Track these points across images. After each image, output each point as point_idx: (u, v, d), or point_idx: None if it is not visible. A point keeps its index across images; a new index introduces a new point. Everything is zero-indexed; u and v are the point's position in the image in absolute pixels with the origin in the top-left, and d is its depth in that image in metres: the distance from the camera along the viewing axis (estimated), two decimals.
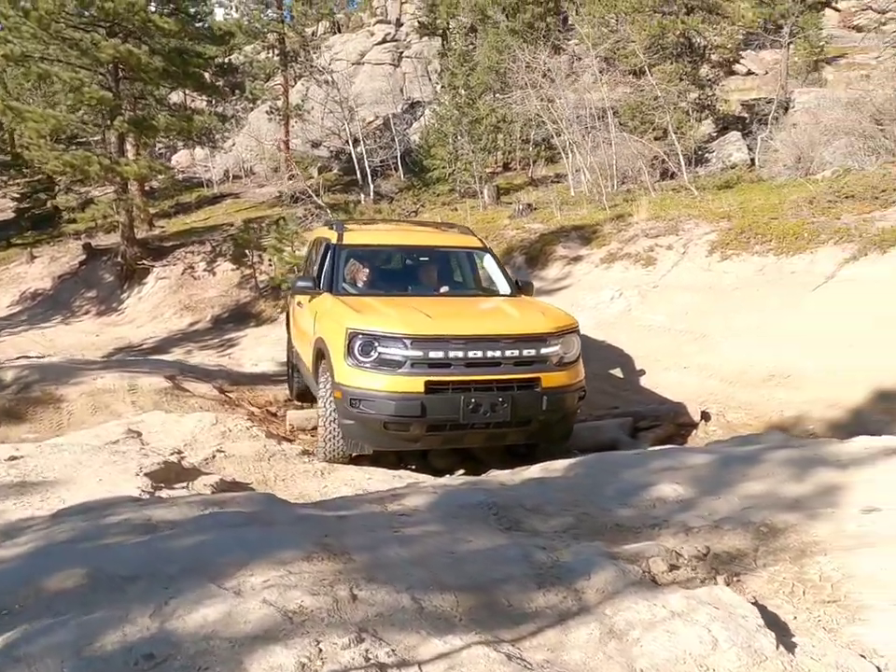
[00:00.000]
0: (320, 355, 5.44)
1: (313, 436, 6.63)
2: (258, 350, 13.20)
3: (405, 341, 4.76)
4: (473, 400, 4.74)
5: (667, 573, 2.75)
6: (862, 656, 2.31)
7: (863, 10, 32.06)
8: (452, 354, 4.76)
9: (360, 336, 4.83)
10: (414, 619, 2.33)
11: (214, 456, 4.97)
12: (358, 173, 20.74)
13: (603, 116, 16.42)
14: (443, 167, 19.61)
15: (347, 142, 26.93)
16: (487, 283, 6.52)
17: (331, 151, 28.92)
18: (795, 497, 3.44)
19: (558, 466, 4.39)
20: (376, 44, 34.73)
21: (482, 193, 18.00)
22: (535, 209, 15.57)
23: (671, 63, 16.32)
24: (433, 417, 4.76)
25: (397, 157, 23.83)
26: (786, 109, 16.50)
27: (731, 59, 21.38)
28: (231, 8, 29.47)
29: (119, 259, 18.11)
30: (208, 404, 7.17)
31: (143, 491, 3.81)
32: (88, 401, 6.68)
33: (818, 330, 7.35)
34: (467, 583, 2.61)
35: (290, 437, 6.29)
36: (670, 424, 6.18)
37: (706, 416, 6.35)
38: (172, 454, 4.78)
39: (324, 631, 2.17)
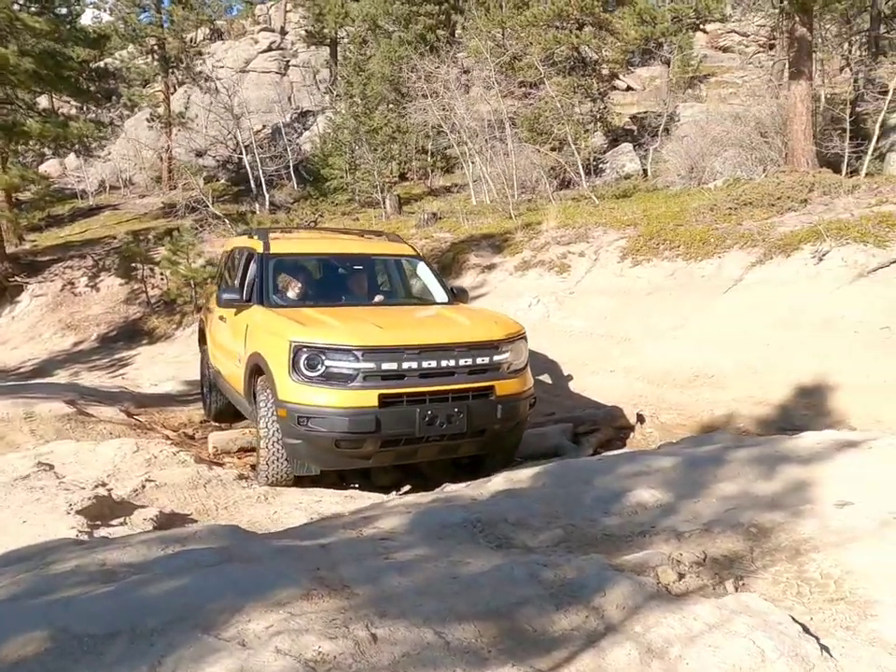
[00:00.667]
0: (256, 371, 5.08)
1: (239, 458, 6.23)
2: (154, 369, 12.41)
3: (356, 353, 4.48)
4: (429, 412, 4.53)
5: (678, 582, 2.67)
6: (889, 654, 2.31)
7: (728, 33, 34.45)
8: (406, 365, 4.53)
9: (306, 349, 4.51)
10: (445, 656, 2.12)
11: (143, 487, 4.50)
12: (252, 182, 20.03)
13: (501, 126, 16.63)
14: (341, 176, 19.29)
15: (235, 151, 26.07)
16: (422, 291, 6.34)
17: (217, 161, 27.83)
18: (771, 495, 3.46)
19: (522, 476, 4.27)
20: (261, 52, 33.91)
21: (384, 203, 17.80)
22: (440, 218, 15.56)
23: (564, 77, 16.76)
24: (388, 432, 4.50)
25: (289, 166, 23.24)
26: (671, 122, 17.30)
27: (615, 74, 22.28)
28: (105, 10, 27.98)
29: None
30: (118, 429, 6.57)
31: (79, 531, 3.37)
32: None
33: (733, 331, 7.65)
34: (482, 610, 2.43)
35: (217, 461, 5.84)
36: (608, 427, 6.21)
37: (640, 419, 6.43)
38: (96, 486, 4.29)
39: None
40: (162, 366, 12.54)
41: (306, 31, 30.48)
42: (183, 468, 5.04)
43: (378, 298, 6.18)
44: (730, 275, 8.69)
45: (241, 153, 24.03)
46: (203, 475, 4.87)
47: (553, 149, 17.11)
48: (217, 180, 24.96)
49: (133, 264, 15.06)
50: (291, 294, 5.88)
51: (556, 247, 10.96)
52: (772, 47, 33.97)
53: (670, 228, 10.06)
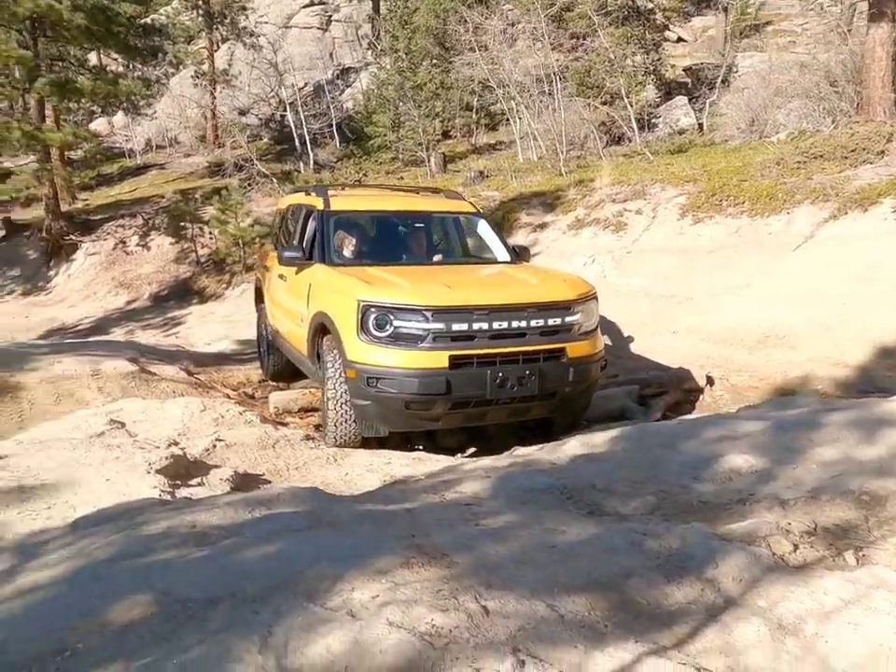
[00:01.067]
0: (321, 331, 5.00)
1: (301, 418, 6.21)
2: (206, 328, 12.49)
3: (426, 313, 4.37)
4: (500, 374, 4.41)
5: (793, 553, 2.52)
6: None
7: None
8: (476, 325, 4.40)
9: (374, 309, 4.42)
10: (561, 630, 2.01)
11: (214, 446, 4.49)
12: (297, 140, 19.87)
13: (550, 81, 16.14)
14: (385, 135, 19.00)
15: (278, 109, 25.90)
16: (483, 250, 6.16)
17: (260, 119, 27.69)
18: (877, 460, 3.26)
19: (598, 440, 4.13)
20: (303, 6, 33.30)
21: (428, 161, 17.50)
22: (487, 176, 15.24)
23: (617, 27, 16.15)
24: (458, 394, 4.40)
25: (332, 125, 22.98)
26: (729, 73, 16.60)
27: (668, 24, 21.41)
28: None
29: (44, 235, 16.82)
30: (181, 388, 6.60)
31: (161, 491, 3.35)
32: (49, 389, 6.02)
33: (804, 289, 7.34)
34: (586, 581, 2.31)
35: (280, 421, 5.82)
36: (676, 390, 6.02)
37: (710, 381, 6.22)
38: (169, 445, 4.28)
39: (475, 655, 1.84)
40: (214, 325, 12.62)
41: None
42: (250, 427, 5.02)
43: (437, 257, 6.04)
44: (800, 232, 8.32)
45: (284, 111, 23.83)
46: (271, 435, 4.84)
47: (603, 104, 16.56)
48: (261, 139, 24.85)
49: (182, 223, 15.09)
50: (346, 252, 5.76)
51: (611, 205, 10.64)
52: None
53: (734, 183, 9.66)
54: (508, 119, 23.72)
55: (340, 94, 26.89)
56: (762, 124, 13.16)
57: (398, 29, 18.66)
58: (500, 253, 5.96)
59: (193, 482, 3.71)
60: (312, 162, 19.25)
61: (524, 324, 4.51)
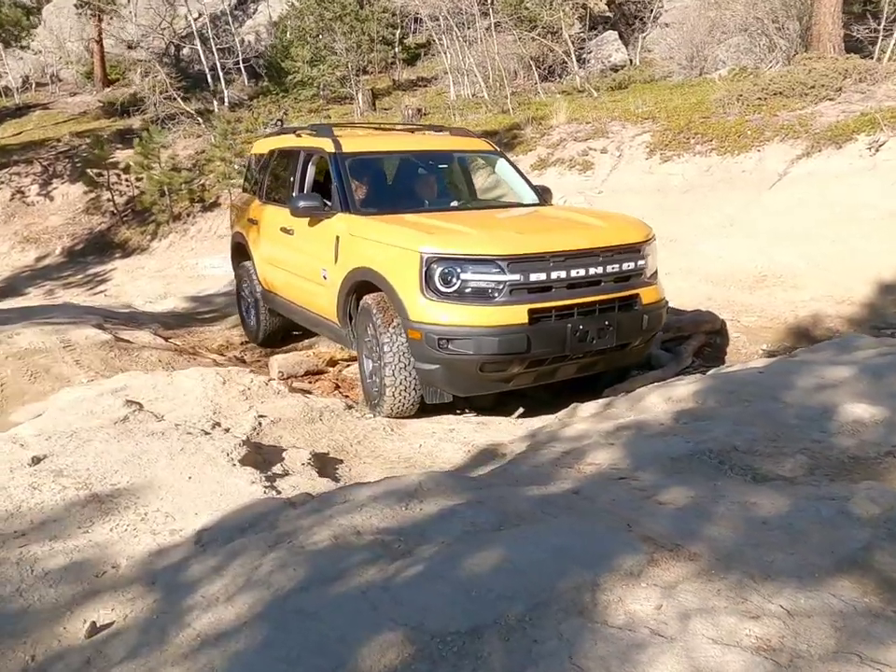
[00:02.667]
0: (360, 289, 4.56)
1: (310, 382, 5.76)
2: (138, 284, 11.53)
3: (500, 263, 3.98)
4: (580, 327, 4.11)
5: None
6: None
7: None
8: (554, 275, 4.06)
9: (441, 262, 3.99)
10: (870, 624, 1.83)
11: (260, 424, 4.04)
12: (209, 77, 18.37)
13: (484, 12, 15.55)
14: (304, 70, 17.86)
15: (171, 42, 23.93)
16: (507, 191, 5.80)
17: (154, 53, 25.51)
18: None
19: (680, 394, 3.96)
20: None
21: (357, 98, 16.63)
22: (425, 114, 14.61)
23: None
24: (537, 351, 4.08)
25: (238, 60, 21.41)
26: (658, 7, 16.52)
27: None
28: None
29: None
30: (165, 356, 5.97)
31: (263, 486, 2.92)
32: (19, 366, 5.29)
33: (790, 228, 7.43)
34: (835, 561, 2.15)
35: (306, 388, 5.36)
36: (699, 333, 5.96)
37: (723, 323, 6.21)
38: (212, 426, 3.81)
39: (829, 670, 1.63)
40: (146, 281, 11.65)
41: None
42: (284, 399, 4.57)
43: (455, 202, 5.66)
44: (773, 169, 8.40)
45: (180, 44, 22.04)
46: (314, 407, 4.42)
47: (532, 40, 16.15)
48: (155, 76, 22.86)
49: (95, 170, 13.69)
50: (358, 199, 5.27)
51: (574, 144, 10.41)
52: None
53: (699, 121, 9.62)
54: (427, 54, 22.92)
55: (240, 27, 25.09)
56: (701, 60, 13.18)
57: None
58: (527, 194, 5.61)
59: (276, 469, 3.30)
60: (227, 100, 17.89)
61: (600, 270, 4.22)
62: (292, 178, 5.63)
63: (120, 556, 2.41)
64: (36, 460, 3.16)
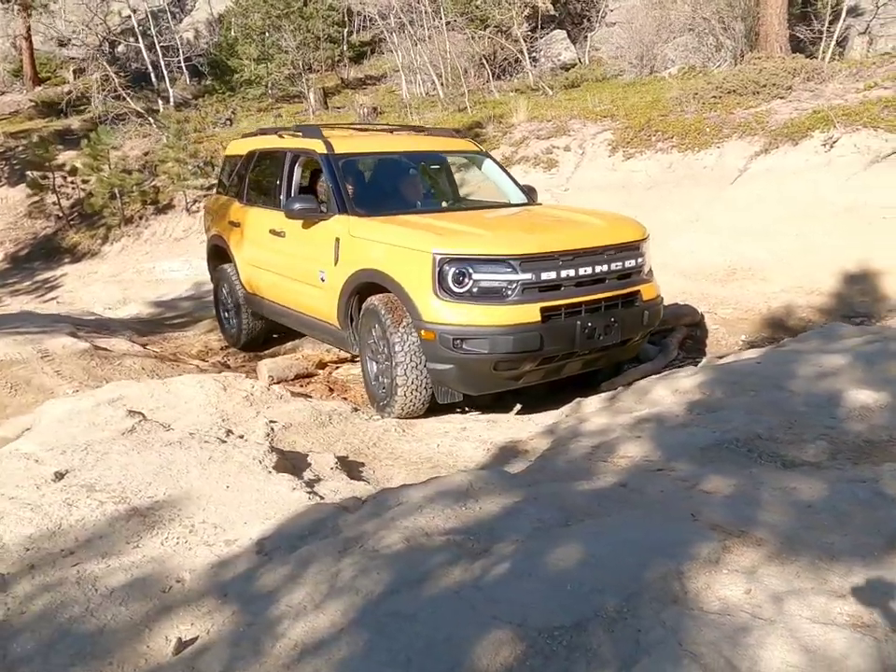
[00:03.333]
0: (363, 290, 4.56)
1: (302, 386, 5.71)
2: (92, 290, 11.15)
3: (512, 262, 4.05)
4: (589, 324, 4.21)
5: None
6: None
7: None
8: (563, 273, 4.15)
9: (454, 262, 4.03)
10: None
11: (273, 430, 3.99)
12: (153, 75, 17.87)
13: (436, 10, 15.57)
14: (253, 68, 17.57)
15: (106, 39, 23.19)
16: (496, 190, 5.85)
17: (88, 51, 24.65)
18: None
19: (685, 386, 4.11)
20: None
21: (308, 96, 16.44)
22: (381, 113, 14.57)
23: None
24: (549, 348, 4.16)
25: (180, 57, 20.89)
26: (605, 7, 16.84)
27: None
28: None
29: None
30: (148, 364, 5.83)
31: (307, 492, 2.91)
32: None
33: (755, 222, 7.70)
34: (889, 542, 2.27)
35: (305, 391, 5.31)
36: (681, 326, 6.14)
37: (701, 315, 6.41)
38: (226, 434, 3.75)
39: None
40: (101, 286, 11.28)
41: None
42: (289, 404, 4.53)
43: (445, 203, 5.69)
44: (734, 165, 8.67)
45: (112, 41, 21.40)
46: (322, 410, 4.41)
47: (484, 37, 16.25)
48: (102, 74, 22.15)
49: (39, 173, 13.15)
50: None
51: (537, 142, 10.54)
52: None
53: (658, 118, 9.86)
54: (374, 52, 22.82)
55: (178, 24, 24.47)
56: (651, 59, 13.50)
57: None
58: (514, 194, 5.69)
59: (308, 474, 3.28)
60: (172, 99, 17.45)
61: (605, 268, 4.33)
62: (278, 180, 5.56)
63: (182, 570, 2.37)
64: (59, 476, 3.07)
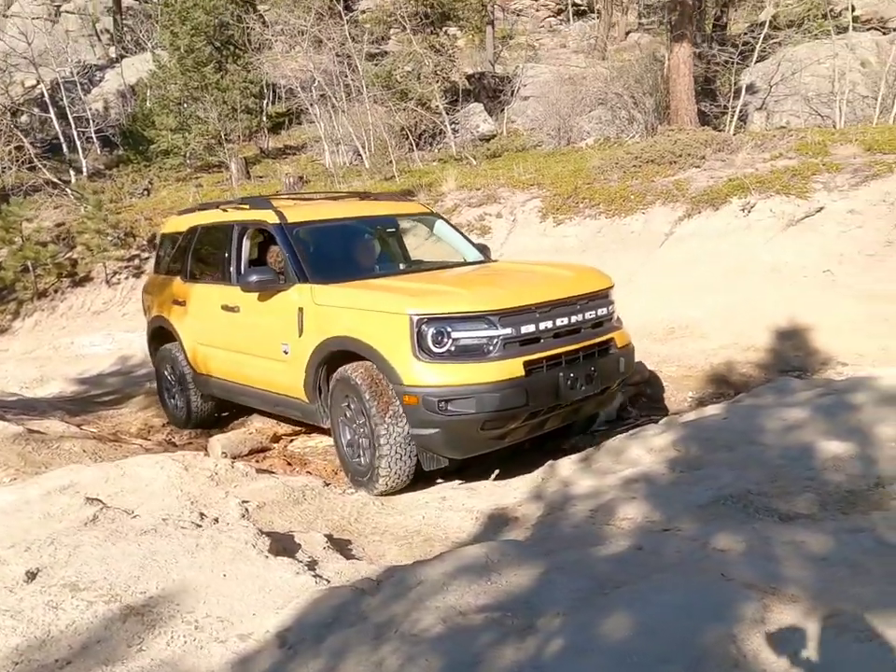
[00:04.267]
0: (334, 359, 4.43)
1: (258, 461, 5.48)
2: (5, 368, 10.49)
3: (491, 318, 4.01)
4: (571, 375, 4.20)
5: None
6: None
7: None
8: (542, 325, 4.15)
9: (432, 322, 3.96)
10: None
11: (248, 511, 3.79)
12: (65, 146, 17.38)
13: (358, 84, 15.92)
14: (170, 138, 17.37)
15: (7, 110, 22.52)
16: (452, 250, 5.85)
17: None
18: None
19: (660, 444, 4.20)
20: None
21: (230, 166, 16.35)
22: (307, 182, 14.61)
23: (415, 33, 16.39)
24: (535, 403, 4.10)
25: (90, 128, 20.44)
26: (518, 82, 17.69)
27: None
28: None
29: None
30: (89, 446, 5.47)
31: (313, 576, 2.75)
32: None
33: (687, 283, 8.08)
34: None
35: (269, 469, 5.08)
36: (630, 385, 6.28)
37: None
38: (199, 517, 3.53)
39: None
40: (14, 364, 10.62)
41: None
42: (256, 481, 4.33)
43: (402, 265, 5.71)
44: (660, 230, 9.13)
45: (15, 111, 20.76)
46: (294, 486, 4.23)
47: (406, 109, 16.73)
48: (17, 145, 21.39)
49: None
50: None
51: (469, 209, 10.80)
52: (560, 12, 36.01)
53: (584, 186, 10.31)
54: (293, 122, 23.03)
55: (86, 94, 24.06)
56: (567, 130, 14.19)
57: (177, 25, 17.11)
58: (470, 252, 5.73)
59: (301, 556, 3.11)
60: (86, 169, 16.98)
61: (580, 317, 4.35)
62: (227, 254, 5.43)
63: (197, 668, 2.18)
64: (32, 575, 2.79)
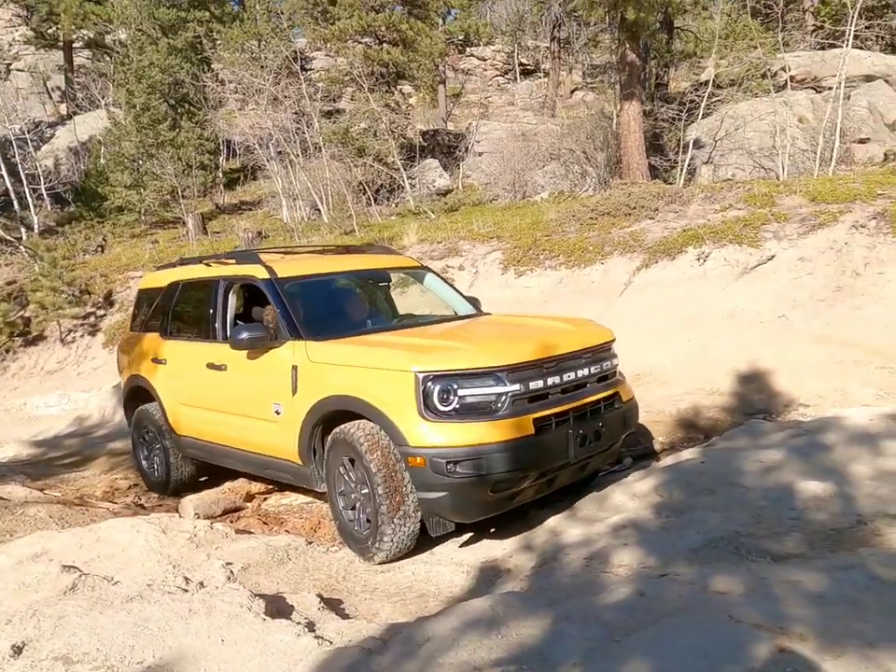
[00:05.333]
0: (330, 419, 4.22)
1: (232, 521, 5.34)
2: None
3: (499, 374, 3.82)
4: (581, 432, 4.04)
5: None
6: None
7: (468, 56, 36.87)
8: (549, 381, 3.98)
9: (439, 379, 3.75)
10: None
11: (232, 573, 3.69)
12: (16, 203, 17.09)
13: (315, 141, 16.14)
14: (126, 194, 17.27)
15: None
16: (443, 303, 5.77)
17: None
18: None
19: (642, 489, 4.25)
20: None
21: (187, 222, 16.28)
22: (266, 237, 14.63)
23: (371, 91, 16.76)
24: (545, 461, 3.93)
25: (41, 185, 20.19)
26: (472, 139, 18.16)
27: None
28: None
29: None
30: (55, 511, 5.26)
31: (315, 638, 2.69)
32: None
33: (649, 330, 8.27)
34: None
35: (246, 528, 4.95)
36: None
37: None
38: (184, 581, 3.43)
39: None
40: None
41: (33, 31, 26.73)
42: (237, 542, 4.26)
43: (395, 321, 5.67)
44: (619, 280, 9.36)
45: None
46: (276, 546, 4.17)
47: (363, 164, 16.99)
48: None
49: None
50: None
51: (431, 262, 10.88)
52: (507, 72, 37.36)
53: (543, 238, 10.56)
54: (247, 178, 23.12)
55: (36, 151, 23.82)
56: (522, 185, 14.58)
57: (132, 83, 17.18)
58: (462, 306, 5.64)
59: (299, 618, 3.03)
60: (36, 226, 16.69)
61: (586, 372, 4.23)
62: (212, 310, 5.30)
63: None
64: (18, 650, 2.68)
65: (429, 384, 3.79)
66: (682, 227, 9.69)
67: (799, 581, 2.76)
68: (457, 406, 3.81)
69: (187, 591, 3.24)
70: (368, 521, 4.05)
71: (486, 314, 5.64)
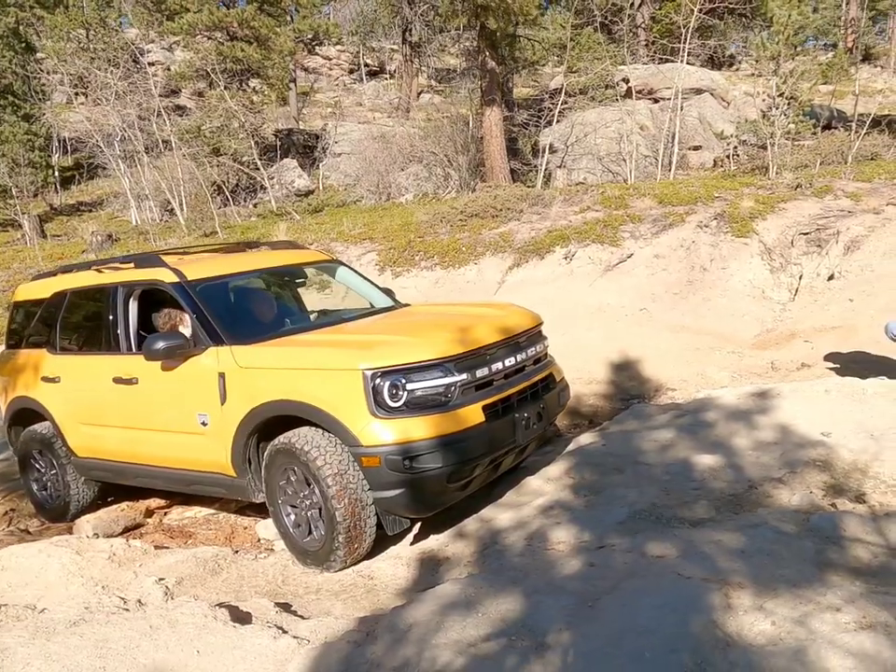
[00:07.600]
0: (268, 427, 4.06)
1: (134, 538, 5.09)
2: None
3: (447, 365, 3.81)
4: (525, 415, 4.12)
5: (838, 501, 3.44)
6: None
7: (313, 55, 36.51)
8: (493, 367, 4.04)
9: (388, 375, 3.69)
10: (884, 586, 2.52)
11: (168, 588, 3.59)
12: None
13: (165, 139, 15.43)
14: None
15: None
16: (361, 297, 5.60)
17: None
18: (779, 440, 4.43)
19: (555, 472, 4.57)
20: None
21: (23, 225, 14.99)
22: (116, 240, 13.80)
23: (226, 88, 16.25)
24: (497, 447, 3.97)
25: None
26: (330, 139, 18.09)
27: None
28: None
29: None
30: None
31: (294, 638, 2.72)
32: None
33: None
34: (816, 566, 2.85)
35: (161, 544, 4.73)
36: None
37: None
38: (122, 601, 3.32)
39: None
40: None
41: None
42: (162, 557, 4.13)
43: (313, 316, 5.56)
44: (493, 279, 9.79)
45: None
46: (205, 558, 4.09)
47: (219, 164, 16.44)
48: None
49: None
50: (185, 331, 4.90)
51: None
52: (352, 71, 37.35)
53: (416, 240, 10.80)
54: (83, 176, 21.59)
55: None
56: (386, 186, 14.76)
57: None
58: (379, 298, 5.51)
59: (262, 623, 3.04)
60: None
61: (523, 356, 4.31)
62: (111, 318, 4.94)
63: None
64: None
65: (378, 380, 3.71)
66: (547, 228, 10.28)
67: (720, 540, 3.14)
68: (408, 401, 3.76)
69: (128, 610, 3.15)
70: (319, 531, 3.91)
71: (406, 304, 5.56)
